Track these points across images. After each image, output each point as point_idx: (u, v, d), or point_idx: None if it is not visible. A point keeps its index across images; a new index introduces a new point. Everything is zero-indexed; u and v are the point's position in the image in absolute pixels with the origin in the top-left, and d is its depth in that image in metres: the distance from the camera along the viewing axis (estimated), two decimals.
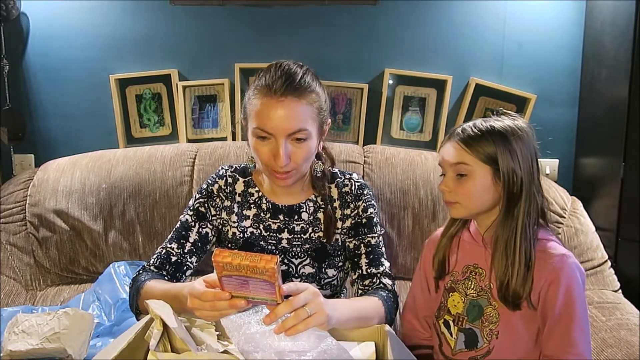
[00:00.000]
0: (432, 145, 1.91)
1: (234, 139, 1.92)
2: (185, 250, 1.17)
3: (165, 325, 0.87)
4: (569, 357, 1.02)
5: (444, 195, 1.11)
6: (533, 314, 1.07)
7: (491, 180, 1.07)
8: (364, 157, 1.74)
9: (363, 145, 1.87)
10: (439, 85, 1.89)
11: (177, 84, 1.91)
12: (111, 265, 1.60)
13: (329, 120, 1.18)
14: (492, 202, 1.09)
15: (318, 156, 1.22)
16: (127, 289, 1.51)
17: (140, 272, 1.15)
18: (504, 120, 1.09)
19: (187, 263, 1.17)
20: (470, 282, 1.13)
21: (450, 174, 1.09)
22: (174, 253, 1.17)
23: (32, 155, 1.99)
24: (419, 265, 1.26)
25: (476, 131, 1.07)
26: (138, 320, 1.08)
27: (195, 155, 1.74)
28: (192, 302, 0.88)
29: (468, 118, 1.89)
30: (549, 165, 1.91)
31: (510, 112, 1.12)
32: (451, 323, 1.15)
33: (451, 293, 1.16)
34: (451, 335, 1.15)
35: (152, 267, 1.16)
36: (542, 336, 1.06)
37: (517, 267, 1.04)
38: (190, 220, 1.20)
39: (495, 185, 1.07)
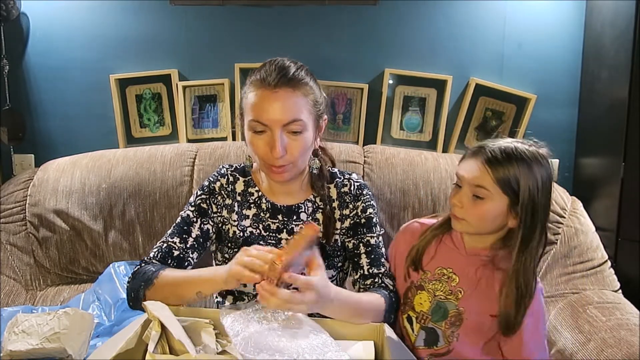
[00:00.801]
0: (432, 145, 1.91)
1: (234, 139, 1.92)
2: (188, 245, 1.16)
3: (163, 327, 0.87)
4: None
5: (454, 208, 1.11)
6: (495, 324, 1.11)
7: (506, 209, 1.07)
8: (364, 157, 1.74)
9: (363, 145, 1.87)
10: (439, 85, 1.89)
11: (177, 84, 1.91)
12: (111, 265, 1.60)
13: (326, 117, 1.18)
14: (497, 229, 1.11)
15: (315, 154, 1.22)
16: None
17: (142, 265, 1.12)
18: (529, 148, 1.08)
19: (189, 258, 1.17)
20: (440, 284, 1.16)
21: (467, 191, 1.09)
22: (177, 247, 1.15)
23: (32, 155, 1.99)
24: (389, 251, 1.28)
25: (504, 158, 1.05)
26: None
27: (195, 155, 1.74)
28: (243, 253, 0.94)
29: (468, 118, 1.89)
30: None
31: (532, 138, 1.14)
32: (414, 319, 1.18)
33: (419, 291, 1.18)
34: (412, 331, 1.18)
35: (153, 261, 1.14)
36: (507, 354, 1.12)
37: (526, 300, 1.07)
38: (192, 215, 1.19)
39: (508, 215, 1.08)
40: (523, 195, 1.04)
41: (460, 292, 1.13)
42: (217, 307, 1.24)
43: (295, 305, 0.89)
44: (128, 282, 1.12)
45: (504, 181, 1.04)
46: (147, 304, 0.92)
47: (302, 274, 0.93)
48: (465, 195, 1.09)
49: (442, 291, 1.15)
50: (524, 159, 1.05)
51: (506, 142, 1.09)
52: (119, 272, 1.57)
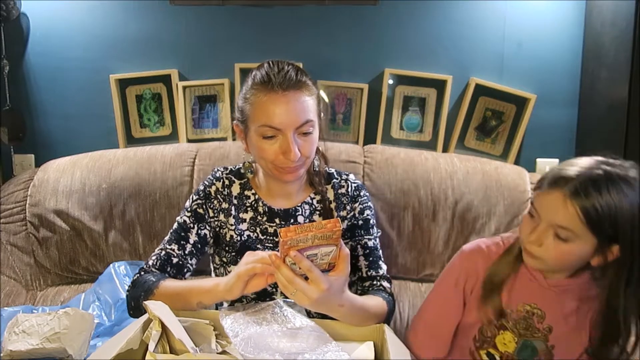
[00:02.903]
0: (432, 145, 1.91)
1: (234, 139, 1.92)
2: (186, 252, 1.16)
3: (163, 326, 0.87)
4: None
5: (529, 245, 0.96)
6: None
7: (591, 251, 0.91)
8: (364, 157, 1.74)
9: (363, 145, 1.87)
10: (439, 85, 1.89)
11: (177, 84, 1.91)
12: (111, 265, 1.60)
13: (322, 114, 1.18)
14: (578, 267, 0.98)
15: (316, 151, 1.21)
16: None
17: (142, 274, 1.13)
18: (621, 172, 0.88)
19: (188, 265, 1.16)
20: (526, 322, 1.02)
21: (547, 230, 0.93)
22: (175, 254, 1.15)
23: (32, 155, 1.99)
24: (451, 278, 1.10)
25: (596, 192, 0.86)
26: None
27: (196, 155, 1.74)
28: (249, 255, 0.96)
29: (468, 118, 1.89)
30: (549, 165, 1.91)
31: (617, 157, 0.93)
32: (497, 357, 1.06)
33: (502, 331, 1.05)
34: None
35: (153, 269, 1.13)
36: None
37: (622, 338, 0.96)
38: (188, 221, 1.18)
39: (592, 256, 0.93)
40: (623, 234, 0.87)
41: (550, 330, 1.01)
42: (216, 309, 1.24)
43: (297, 290, 0.89)
44: (128, 290, 1.12)
45: (595, 221, 0.86)
46: (148, 303, 0.92)
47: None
48: (544, 234, 0.92)
49: (528, 330, 1.02)
50: (619, 189, 0.85)
51: (591, 166, 0.89)
52: (119, 272, 1.57)
